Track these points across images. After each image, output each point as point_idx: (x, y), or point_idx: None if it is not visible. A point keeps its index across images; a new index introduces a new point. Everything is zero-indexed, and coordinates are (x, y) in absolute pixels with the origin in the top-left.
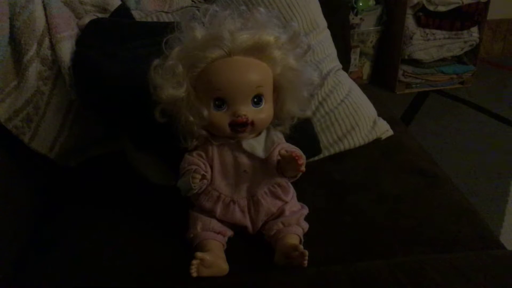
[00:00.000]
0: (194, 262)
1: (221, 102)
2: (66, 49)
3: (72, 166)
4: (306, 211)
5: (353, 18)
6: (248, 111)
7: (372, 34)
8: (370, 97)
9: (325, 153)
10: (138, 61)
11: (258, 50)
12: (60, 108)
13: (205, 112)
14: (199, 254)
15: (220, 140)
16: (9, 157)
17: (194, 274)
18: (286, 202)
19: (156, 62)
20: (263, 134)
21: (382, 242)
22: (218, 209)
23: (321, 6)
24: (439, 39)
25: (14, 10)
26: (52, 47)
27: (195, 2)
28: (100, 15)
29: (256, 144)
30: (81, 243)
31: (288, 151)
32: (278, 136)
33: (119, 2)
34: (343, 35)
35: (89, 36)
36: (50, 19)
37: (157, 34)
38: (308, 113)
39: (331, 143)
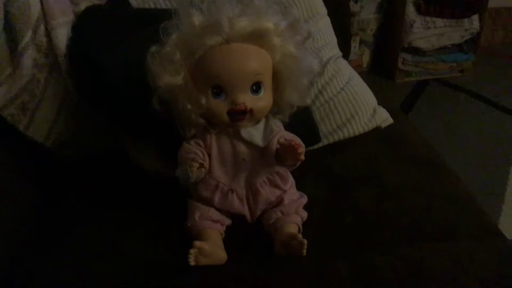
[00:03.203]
0: (192, 251)
1: (219, 90)
2: (62, 36)
3: (71, 163)
4: (305, 200)
5: (353, 6)
6: (246, 99)
7: (372, 22)
8: (369, 86)
9: (325, 142)
10: (135, 50)
11: (257, 37)
12: (56, 95)
13: (203, 100)
14: (197, 243)
15: (218, 128)
16: (8, 155)
17: (192, 263)
18: (285, 191)
19: (153, 49)
20: (262, 123)
21: (382, 233)
22: (216, 198)
23: None
24: (440, 27)
25: None
26: (48, 34)
27: None
28: (96, 2)
29: (254, 133)
30: (80, 240)
31: (287, 140)
32: (277, 125)
33: None
34: (343, 22)
35: (85, 23)
36: (46, 5)
37: (154, 22)
38: (308, 101)
39: (331, 131)
